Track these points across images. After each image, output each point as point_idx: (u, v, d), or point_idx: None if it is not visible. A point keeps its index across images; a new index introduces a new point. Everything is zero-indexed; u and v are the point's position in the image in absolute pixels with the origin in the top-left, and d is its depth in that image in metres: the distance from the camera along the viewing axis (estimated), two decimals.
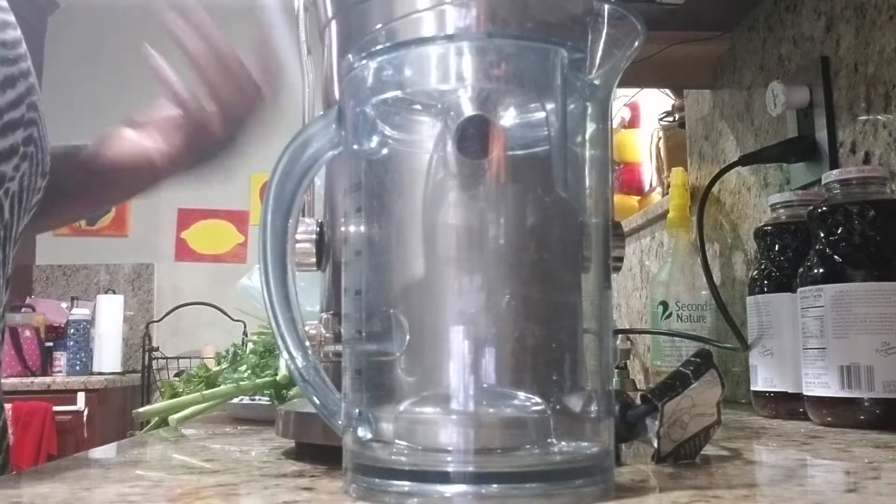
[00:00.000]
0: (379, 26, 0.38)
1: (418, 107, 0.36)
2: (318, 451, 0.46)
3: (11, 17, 0.57)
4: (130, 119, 0.69)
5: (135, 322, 3.51)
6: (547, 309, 0.34)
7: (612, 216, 0.39)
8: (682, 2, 0.93)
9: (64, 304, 3.29)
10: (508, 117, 0.35)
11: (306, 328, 0.40)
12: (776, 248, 0.78)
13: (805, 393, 0.68)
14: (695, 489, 0.36)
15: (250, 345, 0.87)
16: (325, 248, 0.50)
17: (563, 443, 0.33)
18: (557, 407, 0.33)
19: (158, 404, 0.79)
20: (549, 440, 0.33)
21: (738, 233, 1.10)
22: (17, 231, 0.57)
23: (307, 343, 0.39)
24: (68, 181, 0.65)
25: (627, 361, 1.38)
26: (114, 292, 3.40)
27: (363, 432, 0.34)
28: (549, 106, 0.34)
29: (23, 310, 3.15)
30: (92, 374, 3.03)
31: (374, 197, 0.36)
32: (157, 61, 0.65)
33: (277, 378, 0.79)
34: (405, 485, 0.32)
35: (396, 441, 0.33)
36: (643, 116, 1.65)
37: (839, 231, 0.66)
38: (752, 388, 0.79)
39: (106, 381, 2.91)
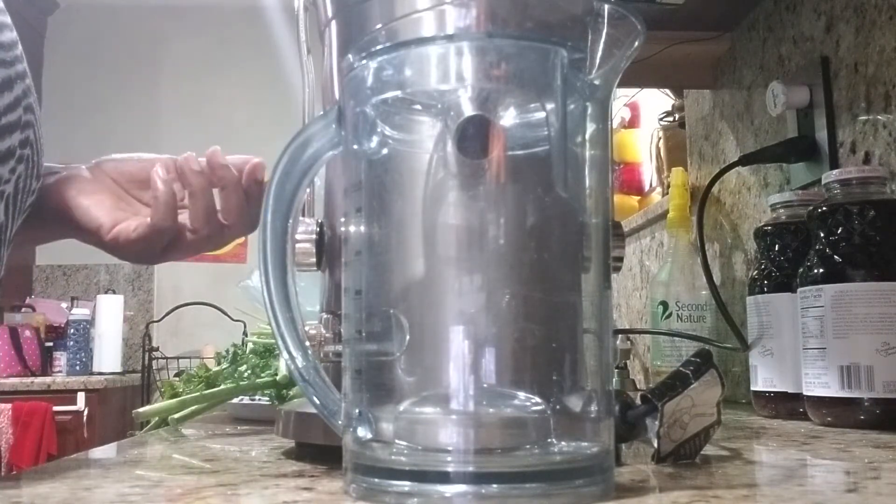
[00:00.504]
0: (379, 26, 0.38)
1: (418, 107, 0.36)
2: (318, 451, 0.46)
3: (7, 19, 0.57)
4: (99, 228, 0.63)
5: (135, 322, 3.52)
6: (547, 309, 0.34)
7: (612, 216, 0.38)
8: (682, 2, 0.93)
9: (64, 304, 3.29)
10: (508, 117, 0.35)
11: (306, 328, 0.40)
12: (776, 248, 0.78)
13: (805, 393, 0.68)
14: (695, 489, 0.36)
15: (250, 345, 0.87)
16: (324, 248, 0.50)
17: (563, 443, 0.33)
18: (557, 407, 0.33)
19: (158, 404, 0.79)
20: (549, 440, 0.33)
21: (738, 233, 1.10)
22: (11, 233, 0.58)
23: (307, 343, 0.39)
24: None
25: (627, 361, 1.38)
26: (114, 292, 3.40)
27: (363, 432, 0.34)
28: (549, 106, 0.34)
29: (23, 310, 3.15)
30: (92, 374, 3.03)
31: (374, 197, 0.36)
32: (156, 174, 0.62)
33: (277, 378, 0.79)
34: (405, 485, 0.32)
35: (396, 441, 0.33)
36: (643, 116, 1.65)
37: (839, 231, 0.66)
38: (752, 388, 0.79)
39: (106, 381, 2.91)
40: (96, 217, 0.63)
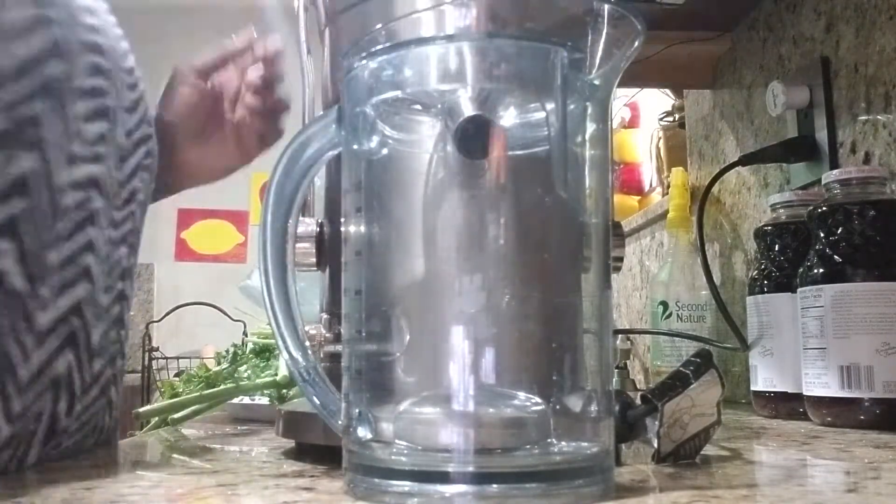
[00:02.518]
0: (379, 26, 0.38)
1: (418, 107, 0.36)
2: (318, 451, 0.46)
3: (126, 44, 0.60)
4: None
5: (135, 322, 3.51)
6: (547, 309, 0.34)
7: (612, 216, 0.38)
8: (682, 2, 0.93)
9: None
10: (508, 117, 0.35)
11: (306, 328, 0.40)
12: (776, 248, 0.78)
13: (805, 393, 0.68)
14: (695, 489, 0.36)
15: (250, 345, 0.87)
16: (324, 248, 0.50)
17: (563, 443, 0.33)
18: (557, 407, 0.33)
19: (158, 404, 0.79)
20: (549, 440, 0.33)
21: (738, 233, 1.10)
22: (139, 236, 0.62)
23: (307, 343, 0.39)
24: None
25: (627, 361, 1.38)
26: None
27: (363, 432, 0.34)
28: (549, 106, 0.34)
29: None
30: None
31: (374, 197, 0.36)
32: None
33: (277, 378, 0.79)
34: (405, 485, 0.32)
35: (396, 441, 0.33)
36: (643, 116, 1.65)
37: (839, 231, 0.66)
38: (752, 388, 0.79)
39: None
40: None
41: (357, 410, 0.35)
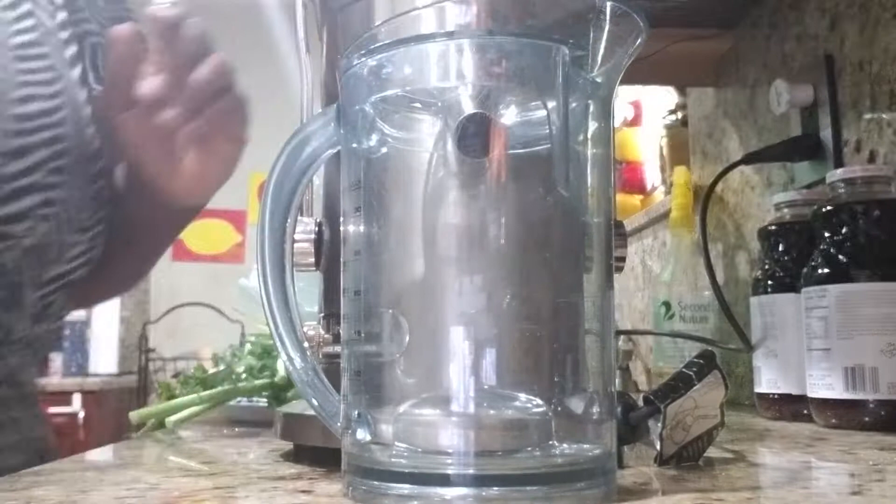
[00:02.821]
0: (379, 23, 0.38)
1: (418, 105, 0.35)
2: (316, 453, 0.46)
3: (43, 90, 0.59)
4: None
5: (131, 323, 3.51)
6: (548, 310, 0.34)
7: (615, 215, 0.38)
8: None
9: None
10: (509, 115, 0.34)
11: (305, 329, 0.40)
12: (780, 248, 0.77)
13: (809, 394, 0.67)
14: (698, 492, 0.36)
15: (248, 346, 0.87)
16: (323, 248, 0.50)
17: (564, 445, 0.33)
18: (559, 409, 0.33)
19: (155, 406, 0.78)
20: (551, 442, 0.33)
21: (741, 232, 1.09)
22: (40, 277, 0.61)
23: (306, 344, 0.38)
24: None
25: (630, 362, 1.38)
26: None
27: (362, 434, 0.34)
28: (551, 104, 0.34)
29: None
30: (88, 375, 3.03)
31: (373, 196, 0.35)
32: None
33: (276, 379, 0.79)
34: (405, 487, 0.32)
35: (396, 443, 0.33)
36: (646, 115, 1.65)
37: (844, 231, 0.65)
38: (756, 390, 0.78)
39: (102, 383, 2.91)
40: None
41: (356, 412, 0.34)
